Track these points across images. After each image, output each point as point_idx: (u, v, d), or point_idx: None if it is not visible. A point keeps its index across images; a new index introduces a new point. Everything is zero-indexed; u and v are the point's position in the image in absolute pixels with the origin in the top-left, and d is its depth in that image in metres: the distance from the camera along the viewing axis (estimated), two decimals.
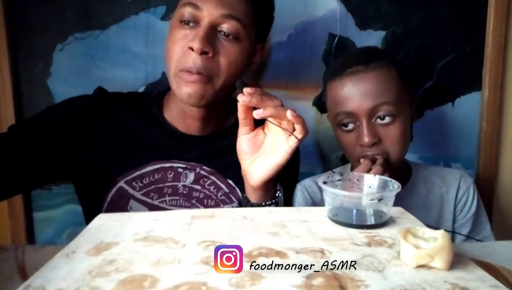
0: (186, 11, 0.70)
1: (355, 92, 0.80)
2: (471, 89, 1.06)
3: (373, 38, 1.01)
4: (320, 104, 1.03)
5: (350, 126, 0.82)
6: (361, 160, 0.79)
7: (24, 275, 0.49)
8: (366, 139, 0.78)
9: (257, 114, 0.60)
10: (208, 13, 0.69)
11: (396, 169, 0.84)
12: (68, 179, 0.83)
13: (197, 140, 0.80)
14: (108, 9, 0.97)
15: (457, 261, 0.40)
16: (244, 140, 0.67)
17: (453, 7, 1.02)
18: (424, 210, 0.89)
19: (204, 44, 0.67)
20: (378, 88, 0.79)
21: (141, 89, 0.99)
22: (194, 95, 0.70)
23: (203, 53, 0.68)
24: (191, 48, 0.68)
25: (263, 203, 0.67)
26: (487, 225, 0.92)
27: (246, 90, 0.60)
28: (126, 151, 0.78)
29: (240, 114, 0.64)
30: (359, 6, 1.00)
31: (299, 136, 0.62)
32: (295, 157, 0.87)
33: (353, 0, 1.00)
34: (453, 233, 0.89)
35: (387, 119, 0.79)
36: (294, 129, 0.63)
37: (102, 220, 0.53)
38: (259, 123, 0.67)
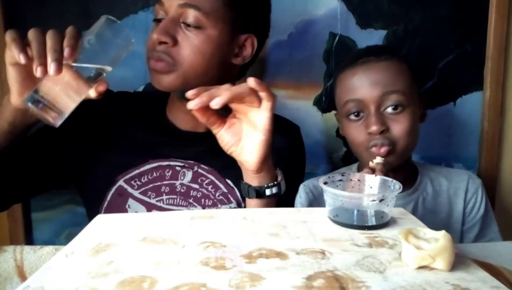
0: (156, 10, 0.74)
1: (365, 80, 0.80)
2: (473, 88, 1.05)
3: (374, 37, 1.01)
4: (321, 104, 1.03)
5: (359, 115, 0.82)
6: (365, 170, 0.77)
7: (23, 276, 0.49)
8: (374, 126, 0.78)
9: (216, 103, 0.56)
10: (168, 6, 0.71)
11: (403, 169, 0.84)
12: (70, 183, 0.84)
13: (196, 138, 0.80)
14: (107, 8, 0.97)
15: (458, 262, 0.40)
16: (223, 135, 0.65)
17: (454, 6, 1.02)
18: (432, 213, 0.88)
19: (161, 34, 0.70)
20: (388, 77, 0.80)
21: (141, 88, 0.99)
22: (160, 81, 0.72)
23: (162, 43, 0.70)
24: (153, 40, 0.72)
25: (265, 185, 0.66)
26: (495, 227, 0.91)
27: (188, 94, 0.57)
28: (126, 150, 0.79)
29: (201, 119, 0.61)
30: (360, 5, 1.00)
31: (269, 102, 0.60)
32: (300, 154, 0.86)
33: None
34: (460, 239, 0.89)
35: (396, 109, 0.79)
36: (260, 100, 0.60)
37: (101, 221, 0.53)
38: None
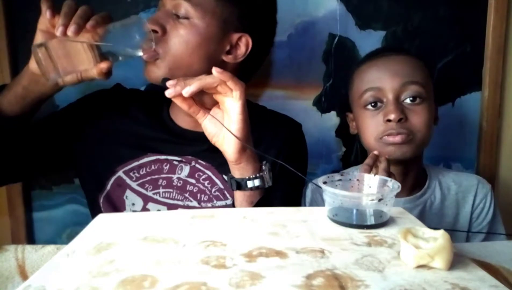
0: (159, 6, 0.76)
1: (385, 70, 0.81)
2: (471, 89, 1.06)
3: (373, 38, 1.01)
4: (320, 104, 1.03)
5: (376, 105, 0.82)
6: (361, 168, 0.76)
7: (24, 275, 0.50)
8: (393, 114, 0.78)
9: (186, 91, 0.61)
10: (165, 0, 0.74)
11: (413, 172, 0.85)
12: (70, 167, 0.88)
13: (195, 136, 0.81)
14: (108, 9, 0.96)
15: (457, 261, 0.40)
16: (206, 125, 0.67)
17: (453, 7, 1.02)
18: (439, 217, 0.88)
19: (151, 23, 0.71)
20: (408, 69, 0.81)
21: (142, 89, 0.99)
22: (148, 71, 0.74)
23: (153, 31, 0.71)
24: None
25: (247, 177, 0.68)
26: (502, 233, 0.90)
27: (168, 83, 0.62)
28: (128, 143, 0.81)
29: (183, 107, 0.65)
30: (359, 6, 1.00)
31: (237, 91, 0.62)
32: (301, 152, 0.86)
33: (353, 0, 1.00)
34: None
35: (414, 100, 0.80)
36: (231, 90, 0.63)
37: (102, 220, 0.53)
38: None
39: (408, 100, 0.80)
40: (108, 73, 0.67)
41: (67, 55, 0.61)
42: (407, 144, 0.80)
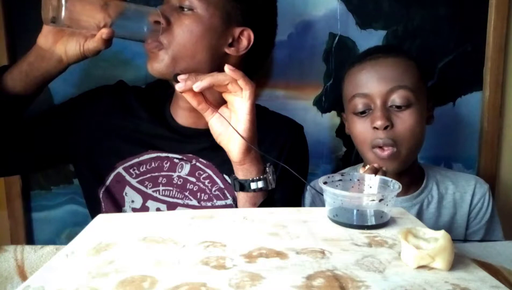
0: (164, 3, 0.76)
1: (373, 75, 0.81)
2: (472, 88, 1.05)
3: (373, 37, 1.01)
4: (321, 103, 1.03)
5: (365, 112, 0.82)
6: (361, 170, 0.76)
7: (23, 275, 0.50)
8: (379, 121, 0.78)
9: (197, 86, 0.61)
10: None
11: (409, 171, 0.84)
12: (69, 161, 0.89)
13: (195, 134, 0.81)
14: None
15: (458, 261, 0.40)
16: (213, 124, 0.67)
17: (454, 6, 1.02)
18: (436, 216, 0.88)
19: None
20: (396, 73, 0.81)
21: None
22: (152, 64, 0.73)
23: (156, 22, 0.71)
24: None
25: (250, 179, 0.67)
26: (500, 233, 0.91)
27: (180, 77, 0.62)
28: (127, 139, 0.81)
29: (192, 103, 0.65)
30: (359, 5, 1.00)
31: (247, 91, 0.62)
32: (302, 154, 0.86)
33: None
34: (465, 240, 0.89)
35: (401, 106, 0.79)
36: (241, 89, 0.63)
37: (102, 221, 0.53)
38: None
39: (395, 106, 0.80)
40: (108, 41, 0.67)
41: (74, 10, 0.63)
42: (392, 160, 0.80)
